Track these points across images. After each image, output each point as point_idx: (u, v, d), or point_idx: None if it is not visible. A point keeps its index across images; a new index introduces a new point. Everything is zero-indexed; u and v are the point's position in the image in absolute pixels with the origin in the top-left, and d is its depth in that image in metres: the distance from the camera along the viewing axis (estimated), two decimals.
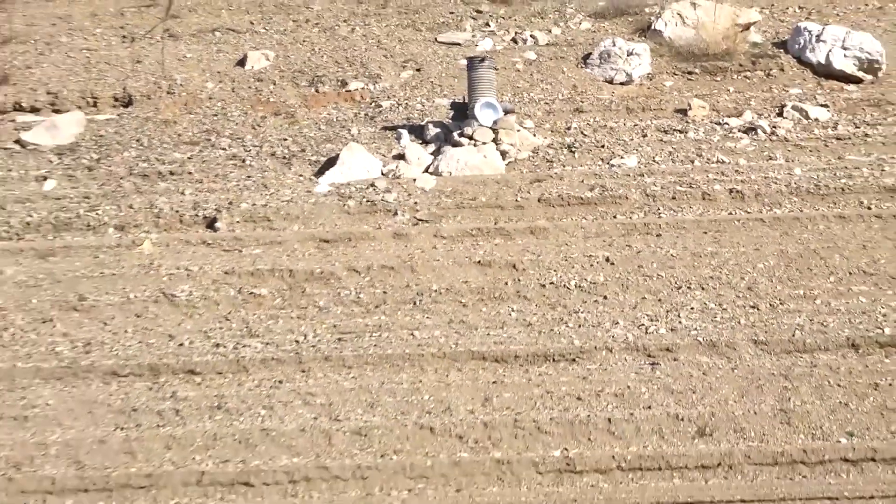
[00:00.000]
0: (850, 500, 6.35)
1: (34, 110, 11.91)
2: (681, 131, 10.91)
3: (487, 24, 13.67)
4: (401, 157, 10.48)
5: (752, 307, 8.07)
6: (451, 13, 14.04)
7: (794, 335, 7.69)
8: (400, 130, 10.99)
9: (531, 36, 13.20)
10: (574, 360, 7.60)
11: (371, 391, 7.37)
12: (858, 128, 10.80)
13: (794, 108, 11.16)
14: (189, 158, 10.73)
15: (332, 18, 14.04)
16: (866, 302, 8.08)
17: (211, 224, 9.51)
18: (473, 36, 13.38)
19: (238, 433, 7.02)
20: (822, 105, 11.27)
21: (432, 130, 10.83)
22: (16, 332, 8.18)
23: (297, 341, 7.91)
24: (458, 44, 13.17)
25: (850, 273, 8.43)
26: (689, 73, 12.21)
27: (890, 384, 7.19)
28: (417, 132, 10.95)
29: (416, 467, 6.71)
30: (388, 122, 11.27)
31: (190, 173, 10.40)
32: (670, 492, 6.47)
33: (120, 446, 6.95)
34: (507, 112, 10.71)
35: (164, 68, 12.54)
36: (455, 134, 10.56)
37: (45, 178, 10.45)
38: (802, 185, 9.61)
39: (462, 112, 10.93)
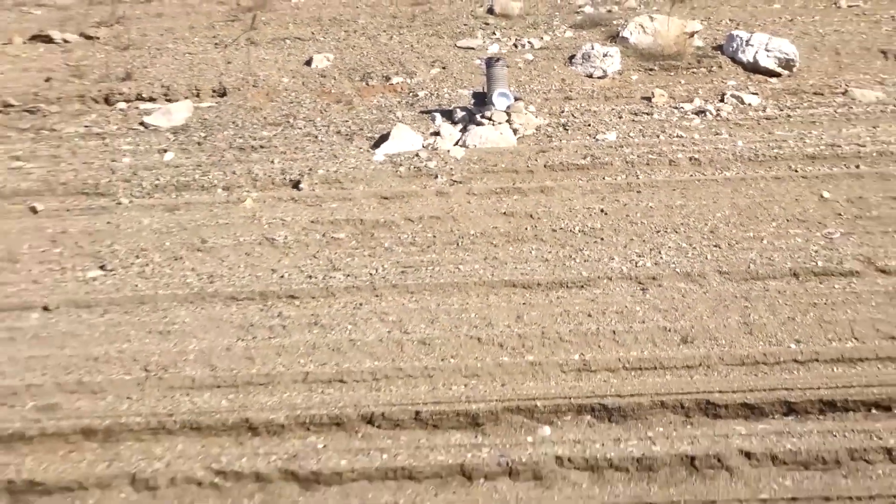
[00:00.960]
0: (801, 391, 6.30)
1: (152, 99, 11.59)
2: (647, 114, 10.66)
3: (494, 33, 13.34)
4: (436, 133, 10.25)
5: (715, 246, 7.93)
6: (466, 24, 13.68)
7: (749, 267, 7.57)
8: (434, 113, 10.74)
9: (528, 42, 12.90)
10: (583, 286, 7.48)
11: (430, 311, 7.27)
12: (782, 110, 10.55)
13: (732, 95, 10.91)
14: (274, 136, 10.46)
15: (374, 29, 13.69)
16: (801, 241, 7.94)
17: (296, 185, 9.30)
18: (484, 42, 13.05)
19: (331, 343, 6.95)
20: (753, 93, 11.02)
21: (459, 113, 10.59)
22: (155, 267, 8.04)
23: (370, 273, 7.78)
24: (473, 48, 12.85)
25: (787, 220, 8.27)
26: (650, 69, 11.94)
27: (825, 303, 7.11)
28: (447, 115, 10.69)
29: (469, 368, 6.65)
30: (424, 108, 11.01)
31: (276, 147, 10.15)
32: (664, 385, 6.42)
33: (242, 353, 6.88)
34: (516, 99, 10.46)
35: (249, 67, 12.25)
36: (478, 116, 10.33)
37: (165, 151, 10.20)
38: (745, 154, 9.42)
39: (481, 100, 10.68)
